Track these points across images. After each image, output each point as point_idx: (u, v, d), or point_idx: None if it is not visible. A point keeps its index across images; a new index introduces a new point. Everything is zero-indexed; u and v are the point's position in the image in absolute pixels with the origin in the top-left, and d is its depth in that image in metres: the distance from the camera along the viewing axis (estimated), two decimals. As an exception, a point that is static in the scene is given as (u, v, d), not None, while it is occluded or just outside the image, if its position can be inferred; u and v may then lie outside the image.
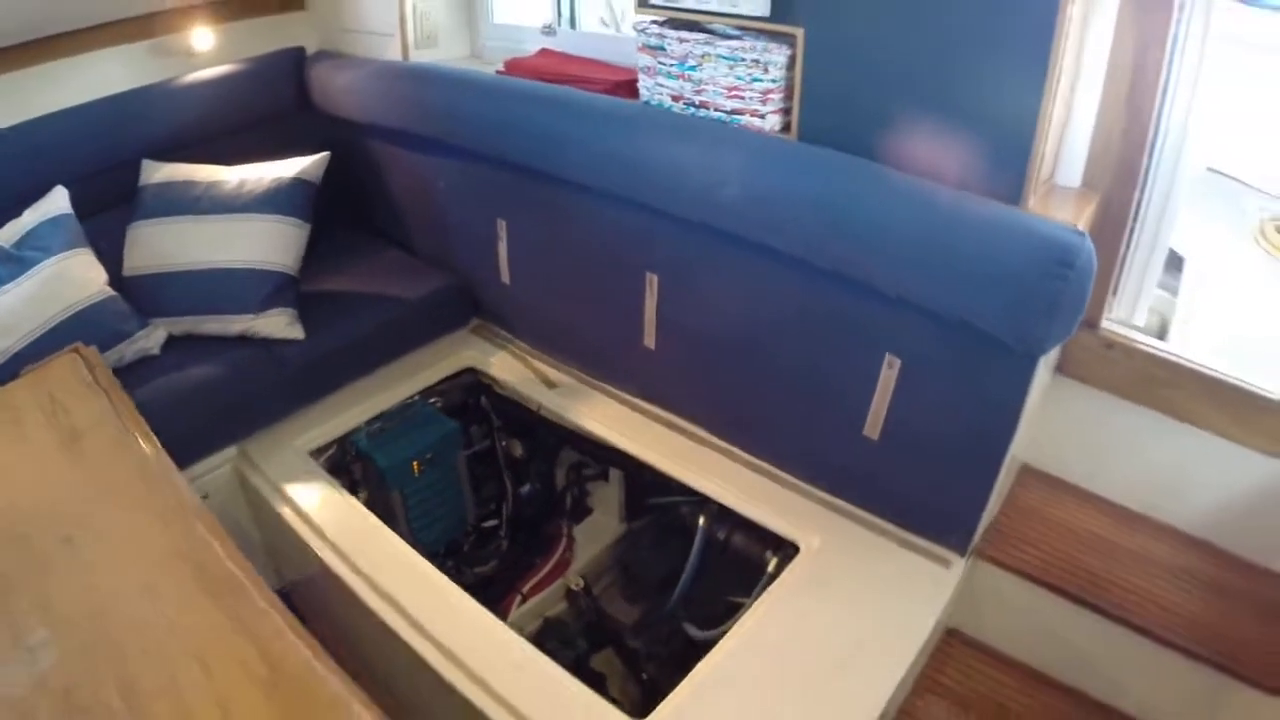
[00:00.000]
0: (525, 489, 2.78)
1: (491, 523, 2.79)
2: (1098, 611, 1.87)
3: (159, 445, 1.64)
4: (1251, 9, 1.81)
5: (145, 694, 1.16)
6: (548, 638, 2.44)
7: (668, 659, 2.33)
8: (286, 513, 2.16)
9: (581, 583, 2.53)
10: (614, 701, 2.29)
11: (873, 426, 1.91)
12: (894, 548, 1.97)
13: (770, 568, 2.09)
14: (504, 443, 2.77)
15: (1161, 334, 2.29)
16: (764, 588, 2.05)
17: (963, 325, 1.65)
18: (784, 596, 1.88)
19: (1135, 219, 1.87)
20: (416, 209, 2.88)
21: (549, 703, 1.68)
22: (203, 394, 2.26)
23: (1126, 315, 1.99)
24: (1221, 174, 2.24)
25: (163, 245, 2.46)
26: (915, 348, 1.79)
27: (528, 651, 1.79)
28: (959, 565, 1.92)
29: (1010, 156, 1.61)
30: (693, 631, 2.22)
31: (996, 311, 1.58)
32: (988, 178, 1.64)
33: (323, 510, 2.13)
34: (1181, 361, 1.88)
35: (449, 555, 2.65)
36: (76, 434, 1.69)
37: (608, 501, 2.75)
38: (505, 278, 2.62)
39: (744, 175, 1.86)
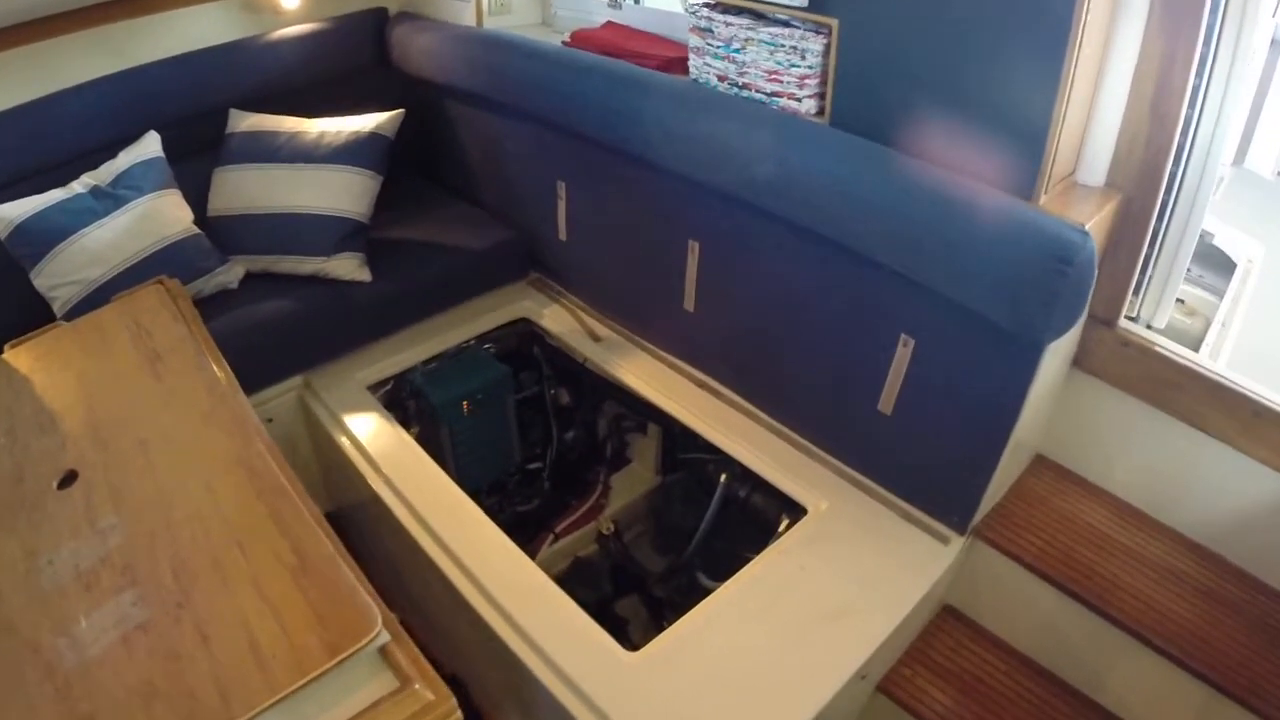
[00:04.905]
0: (569, 435, 2.87)
1: (536, 465, 2.89)
2: (1087, 605, 1.88)
3: (229, 371, 1.74)
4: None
5: (191, 572, 1.29)
6: (575, 577, 2.54)
7: (687, 609, 2.42)
8: (342, 439, 2.28)
9: (612, 527, 2.60)
10: (632, 646, 2.39)
11: (886, 401, 1.95)
12: (897, 519, 2.01)
13: (781, 528, 2.15)
14: (552, 390, 2.86)
15: (1201, 336, 2.27)
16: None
17: (972, 311, 1.67)
18: (786, 552, 1.94)
19: (1161, 221, 1.84)
20: (484, 166, 2.96)
21: (560, 633, 1.77)
22: (274, 326, 2.39)
23: (1149, 315, 1.97)
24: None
25: (245, 189, 2.58)
26: (929, 329, 1.81)
27: (548, 587, 1.89)
28: (957, 543, 1.95)
29: (1024, 152, 1.62)
30: (704, 580, 2.29)
31: (1000, 301, 1.60)
32: (1002, 172, 1.65)
33: (375, 440, 2.25)
34: (1193, 366, 1.85)
35: (493, 492, 2.76)
36: (157, 355, 1.80)
37: (645, 454, 2.82)
38: (562, 235, 2.70)
39: (779, 154, 1.89)
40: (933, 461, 1.95)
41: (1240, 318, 2.39)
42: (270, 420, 2.40)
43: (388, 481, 2.13)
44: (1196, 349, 2.07)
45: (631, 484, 2.79)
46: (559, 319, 2.74)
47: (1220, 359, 2.15)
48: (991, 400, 1.78)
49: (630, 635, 2.47)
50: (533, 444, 2.90)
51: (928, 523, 1.99)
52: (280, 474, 1.46)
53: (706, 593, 2.25)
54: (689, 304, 2.36)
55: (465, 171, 3.05)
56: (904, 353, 1.87)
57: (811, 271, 2.00)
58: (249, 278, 2.54)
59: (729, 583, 1.89)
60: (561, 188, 2.62)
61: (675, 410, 2.36)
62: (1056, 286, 1.52)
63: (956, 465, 1.91)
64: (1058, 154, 1.62)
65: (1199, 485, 1.98)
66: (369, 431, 2.29)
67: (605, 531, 2.61)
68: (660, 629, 2.47)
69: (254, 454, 1.51)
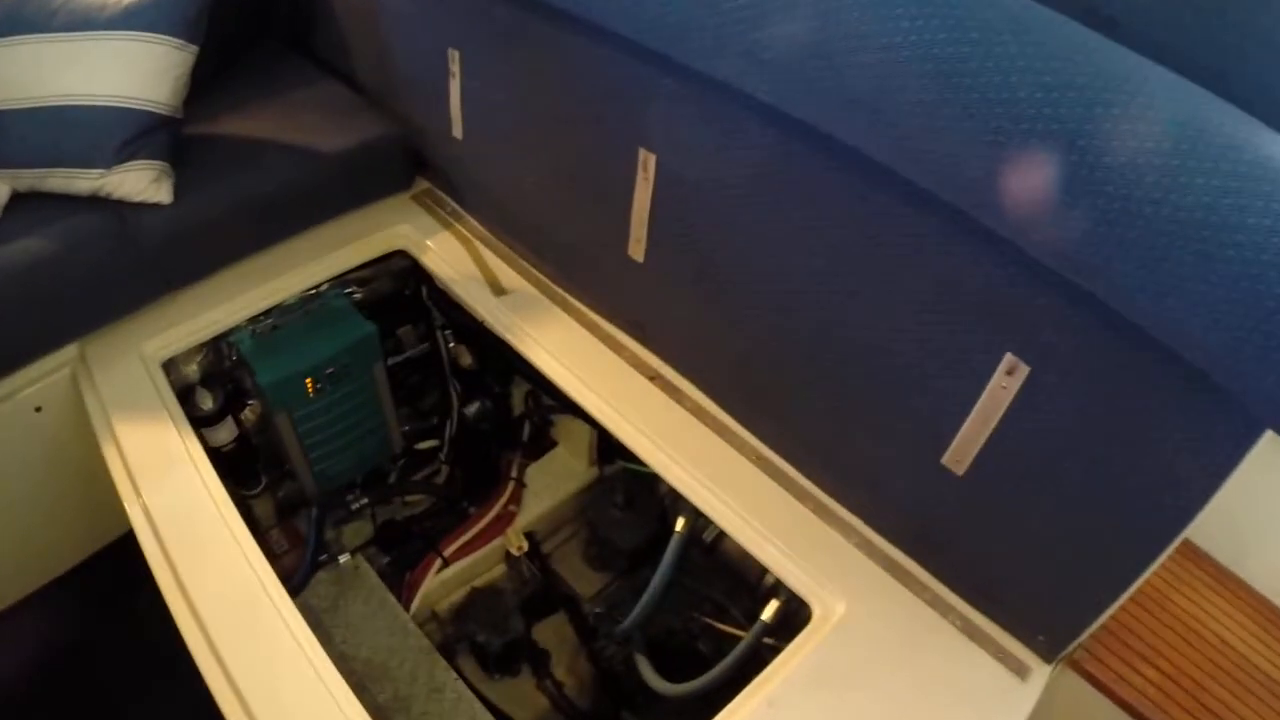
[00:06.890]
0: (473, 407, 2.03)
1: (431, 443, 2.05)
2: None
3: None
4: None
5: None
6: (473, 617, 1.77)
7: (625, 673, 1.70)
8: (108, 449, 1.44)
9: (524, 545, 1.83)
10: (557, 685, 1.68)
11: (958, 456, 1.12)
12: (952, 635, 1.21)
13: (768, 614, 1.36)
14: (450, 345, 1.99)
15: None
16: (754, 642, 1.34)
17: (1157, 343, 0.83)
18: (777, 701, 1.14)
19: None
20: (358, 29, 1.98)
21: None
22: (37, 275, 1.51)
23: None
24: None
25: (8, 75, 1.63)
26: (1059, 355, 0.97)
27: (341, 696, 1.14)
28: (1041, 676, 1.17)
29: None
30: (646, 672, 1.52)
31: (1247, 349, 0.76)
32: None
33: (147, 452, 1.42)
34: None
35: (368, 488, 1.91)
36: None
37: (575, 437, 1.99)
38: (457, 131, 1.76)
39: (805, 6, 0.98)
40: (1021, 557, 1.15)
41: None
42: (39, 409, 1.61)
43: (151, 522, 1.32)
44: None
45: (556, 477, 1.99)
46: (449, 253, 1.83)
47: None
48: (1149, 487, 0.96)
49: (553, 670, 1.78)
50: (426, 414, 2.07)
51: (1000, 642, 1.20)
52: None
53: (647, 689, 1.52)
54: (636, 250, 1.48)
55: (337, 37, 2.06)
56: (1005, 385, 1.03)
57: (852, 224, 1.12)
58: (18, 201, 1.62)
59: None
60: (454, 59, 1.68)
61: (606, 416, 1.50)
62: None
63: (1062, 570, 1.11)
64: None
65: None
66: (142, 436, 1.44)
67: (515, 552, 1.82)
68: (594, 659, 1.76)
69: None
